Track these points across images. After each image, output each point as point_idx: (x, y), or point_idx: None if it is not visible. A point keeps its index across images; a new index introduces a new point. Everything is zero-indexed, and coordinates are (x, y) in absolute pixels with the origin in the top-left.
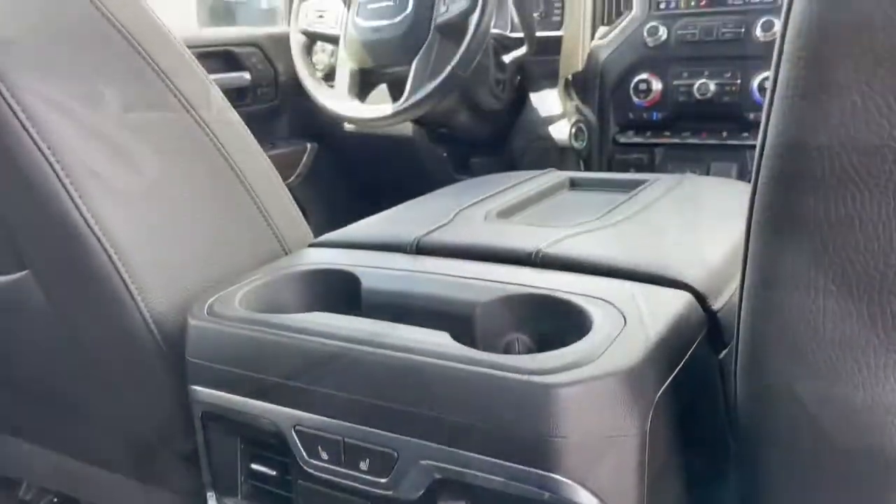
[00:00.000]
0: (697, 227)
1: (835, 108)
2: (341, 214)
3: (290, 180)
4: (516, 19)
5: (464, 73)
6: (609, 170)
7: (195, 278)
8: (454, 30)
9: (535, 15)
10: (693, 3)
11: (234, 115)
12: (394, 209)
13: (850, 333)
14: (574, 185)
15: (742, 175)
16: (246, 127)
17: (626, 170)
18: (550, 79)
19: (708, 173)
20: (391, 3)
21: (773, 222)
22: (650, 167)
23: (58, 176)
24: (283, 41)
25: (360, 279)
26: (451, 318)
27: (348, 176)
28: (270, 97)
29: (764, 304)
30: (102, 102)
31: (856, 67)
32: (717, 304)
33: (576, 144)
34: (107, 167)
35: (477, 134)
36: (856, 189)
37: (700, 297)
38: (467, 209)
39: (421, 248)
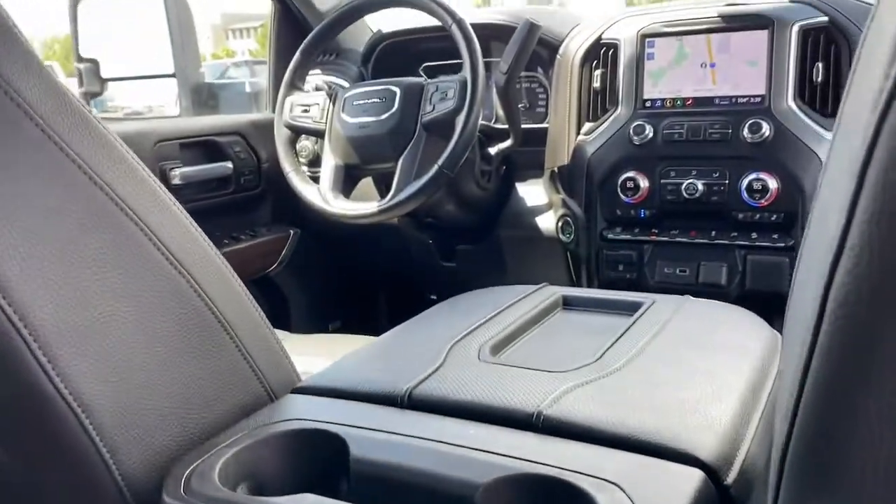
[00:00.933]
0: (701, 375)
1: (887, 380)
2: (324, 302)
3: (272, 268)
4: (501, 112)
5: (450, 172)
6: (597, 265)
7: (173, 433)
8: (441, 128)
9: (520, 106)
10: (679, 103)
11: (206, 243)
12: (382, 339)
13: None
14: (567, 303)
15: (732, 274)
16: (221, 255)
17: (614, 266)
18: (536, 169)
19: (698, 273)
20: (377, 101)
21: (811, 480)
22: (639, 264)
23: (20, 334)
24: (265, 128)
25: (348, 445)
26: (450, 498)
27: (332, 263)
28: (253, 185)
29: None
30: (62, 247)
31: None
32: (729, 478)
33: (563, 238)
34: (73, 320)
35: (463, 223)
36: None
37: (711, 472)
38: (460, 342)
39: (413, 402)
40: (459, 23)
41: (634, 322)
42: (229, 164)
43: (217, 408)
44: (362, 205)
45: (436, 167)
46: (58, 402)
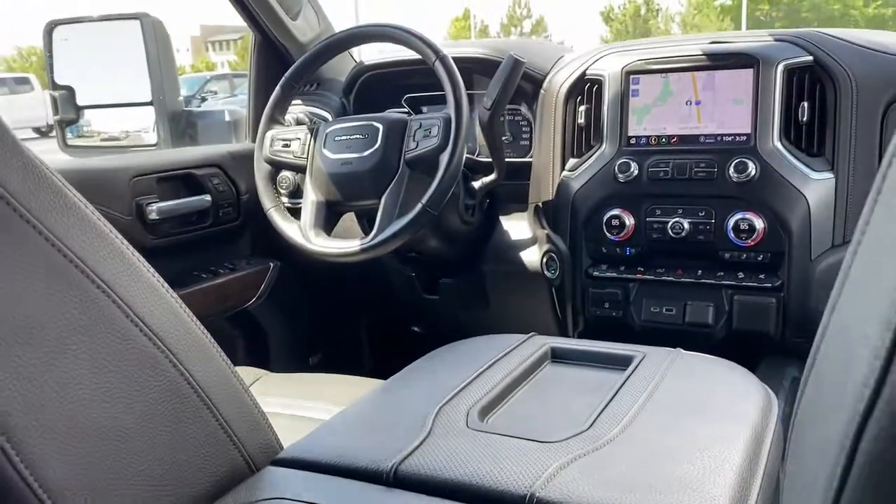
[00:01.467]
0: (697, 446)
1: None
2: (305, 335)
3: (251, 302)
4: (484, 142)
5: (434, 211)
6: (583, 302)
7: None
8: (424, 165)
9: (504, 139)
10: (664, 140)
11: (181, 309)
12: (366, 401)
13: None
14: (556, 356)
15: (719, 314)
16: (198, 321)
17: (600, 304)
18: (520, 202)
19: (684, 312)
20: (360, 137)
21: None
22: (625, 302)
23: None
24: (244, 159)
25: None
26: None
27: (313, 295)
28: (232, 217)
29: None
30: (27, 325)
31: None
32: None
33: (548, 274)
34: (39, 402)
35: (447, 257)
36: None
37: None
38: (447, 405)
39: (399, 479)
40: (443, 59)
41: (626, 381)
42: (208, 198)
43: (195, 483)
44: (344, 243)
45: (420, 206)
46: (24, 492)
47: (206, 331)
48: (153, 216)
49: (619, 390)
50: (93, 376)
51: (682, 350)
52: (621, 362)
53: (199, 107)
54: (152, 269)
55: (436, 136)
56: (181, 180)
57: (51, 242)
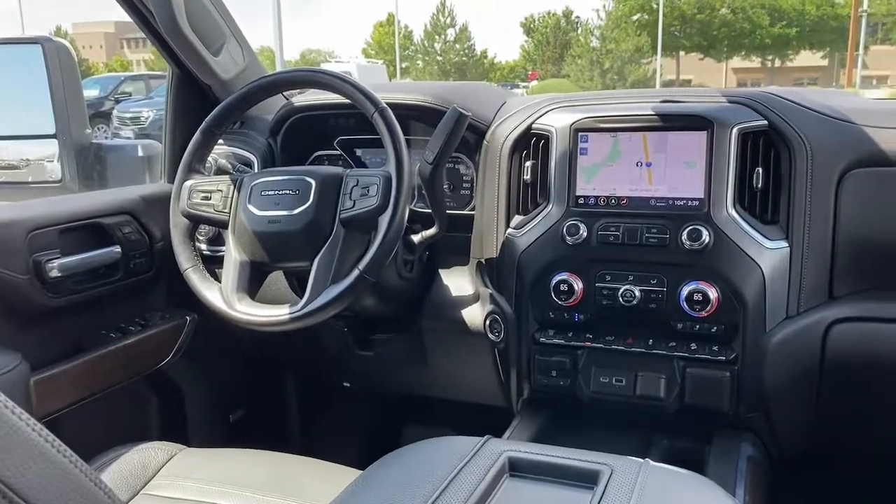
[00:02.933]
0: None
1: None
2: (226, 391)
3: (165, 361)
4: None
5: (372, 277)
6: (528, 369)
7: None
8: (361, 225)
9: (444, 186)
10: (613, 202)
11: (74, 467)
12: None
13: None
14: (514, 468)
15: (671, 387)
16: (93, 475)
17: (547, 372)
18: (460, 255)
19: (635, 384)
20: (290, 192)
21: None
22: (573, 371)
23: None
24: (159, 202)
25: None
26: None
27: (234, 349)
28: (145, 268)
29: None
30: None
31: None
32: None
33: (492, 336)
34: None
35: (382, 314)
36: None
37: None
38: None
39: None
40: (382, 112)
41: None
42: (117, 249)
43: None
44: (272, 311)
45: (356, 272)
46: None
47: (100, 482)
48: (54, 273)
49: None
50: None
51: (650, 462)
52: (587, 478)
53: (113, 109)
54: (37, 426)
55: (375, 196)
56: (87, 230)
57: None
